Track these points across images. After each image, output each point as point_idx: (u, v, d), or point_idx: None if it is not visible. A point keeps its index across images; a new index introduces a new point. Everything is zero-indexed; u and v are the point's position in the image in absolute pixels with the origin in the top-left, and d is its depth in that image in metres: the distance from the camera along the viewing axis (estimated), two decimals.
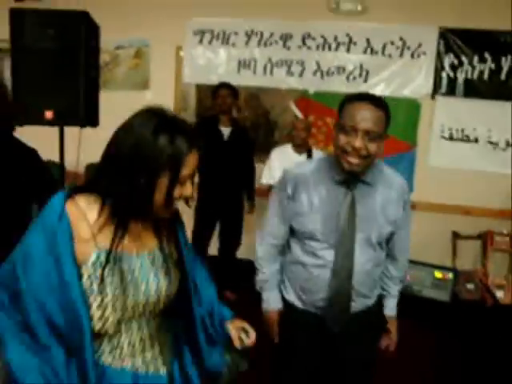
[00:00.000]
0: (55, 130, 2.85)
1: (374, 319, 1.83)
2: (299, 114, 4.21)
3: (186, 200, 1.15)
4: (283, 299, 1.83)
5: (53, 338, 1.04)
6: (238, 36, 4.22)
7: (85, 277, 1.06)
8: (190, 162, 1.08)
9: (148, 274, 1.15)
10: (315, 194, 1.63)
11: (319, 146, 4.12)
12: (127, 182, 1.05)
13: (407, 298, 3.83)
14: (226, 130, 3.66)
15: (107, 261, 1.06)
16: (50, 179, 1.84)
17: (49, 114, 2.57)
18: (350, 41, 4.12)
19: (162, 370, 1.23)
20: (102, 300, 1.07)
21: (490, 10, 3.88)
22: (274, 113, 4.31)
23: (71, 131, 3.04)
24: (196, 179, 1.18)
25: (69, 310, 1.03)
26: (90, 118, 2.77)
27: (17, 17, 2.56)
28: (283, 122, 4.27)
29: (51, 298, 1.03)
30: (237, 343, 1.30)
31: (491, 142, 4.08)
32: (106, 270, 1.06)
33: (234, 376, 1.39)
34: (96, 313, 1.07)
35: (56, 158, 3.55)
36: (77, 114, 2.64)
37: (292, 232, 1.74)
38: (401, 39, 4.06)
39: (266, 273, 1.81)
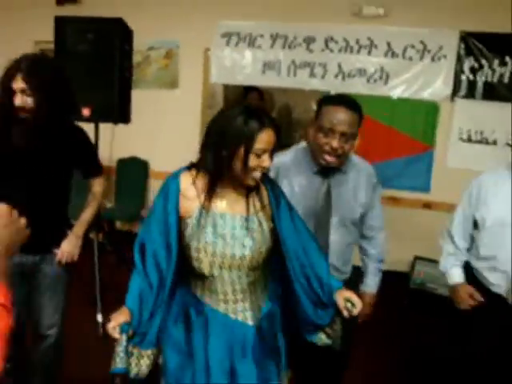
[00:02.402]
0: (89, 126, 3.09)
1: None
2: None
3: (264, 171, 1.42)
4: None
5: (154, 272, 1.42)
6: (263, 38, 4.40)
7: (189, 226, 1.42)
8: (263, 139, 1.36)
9: (236, 233, 1.43)
10: (296, 181, 1.83)
11: None
12: (215, 153, 1.38)
13: (423, 296, 3.98)
14: None
15: (201, 213, 1.41)
16: (92, 152, 2.15)
17: (86, 111, 2.83)
18: (372, 44, 4.24)
19: (251, 322, 1.49)
20: (199, 244, 1.41)
21: (510, 13, 3.94)
22: (296, 113, 4.48)
23: (104, 128, 3.29)
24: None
25: (167, 244, 1.42)
26: (122, 115, 3.03)
27: (60, 24, 2.84)
28: (305, 122, 4.44)
29: (159, 236, 1.43)
30: (344, 313, 1.45)
31: (510, 145, 4.14)
32: (203, 221, 1.41)
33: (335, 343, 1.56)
34: (194, 254, 1.42)
35: None
36: (111, 112, 2.90)
37: None
38: (421, 43, 4.16)
39: None
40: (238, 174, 1.40)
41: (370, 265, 2.04)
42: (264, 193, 1.52)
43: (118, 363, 1.37)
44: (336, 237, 1.85)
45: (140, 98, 3.62)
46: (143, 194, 4.81)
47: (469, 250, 2.09)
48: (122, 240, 4.61)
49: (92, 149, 2.16)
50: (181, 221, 1.44)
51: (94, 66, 2.83)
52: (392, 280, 4.18)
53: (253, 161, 1.37)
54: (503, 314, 1.91)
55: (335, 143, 1.67)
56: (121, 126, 3.22)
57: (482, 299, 1.97)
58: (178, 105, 4.62)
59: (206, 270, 1.43)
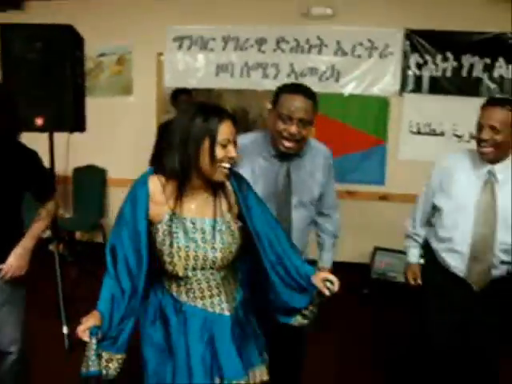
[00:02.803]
0: (43, 136, 3.02)
1: None
2: None
3: (231, 162, 1.47)
4: None
5: (125, 276, 1.44)
6: (215, 41, 4.44)
7: (160, 232, 1.46)
8: (224, 130, 1.43)
9: (206, 236, 1.48)
10: (256, 163, 1.91)
11: None
12: (181, 154, 1.41)
13: (383, 283, 4.12)
14: None
15: (171, 219, 1.45)
16: (43, 175, 2.11)
17: (39, 121, 2.78)
18: (322, 43, 4.36)
19: (227, 312, 1.56)
20: (171, 249, 1.45)
21: (451, 11, 4.15)
22: (252, 114, 4.54)
23: (59, 136, 3.23)
24: None
25: (137, 248, 1.44)
26: (77, 123, 2.98)
27: (6, 31, 2.76)
28: (261, 122, 4.51)
29: (129, 241, 1.45)
30: (325, 292, 1.52)
31: (456, 135, 4.35)
32: (173, 226, 1.45)
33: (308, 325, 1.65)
34: (167, 258, 1.47)
35: (45, 163, 3.73)
36: (65, 120, 2.85)
37: None
38: (369, 41, 4.32)
39: None
40: (206, 171, 1.44)
41: (326, 240, 2.14)
42: (230, 191, 1.57)
43: (91, 366, 1.37)
44: (296, 216, 1.96)
45: (94, 106, 3.57)
46: (102, 202, 4.73)
47: (429, 232, 2.22)
48: (83, 251, 4.54)
49: (44, 172, 2.12)
50: (151, 226, 1.48)
51: (45, 74, 2.77)
52: (354, 271, 4.33)
53: (220, 153, 1.42)
54: (461, 294, 2.02)
55: (293, 129, 1.77)
56: (76, 135, 3.17)
57: (420, 283, 2.17)
58: (133, 111, 4.58)
59: (180, 272, 1.49)
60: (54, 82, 2.79)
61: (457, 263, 2.01)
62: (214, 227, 1.49)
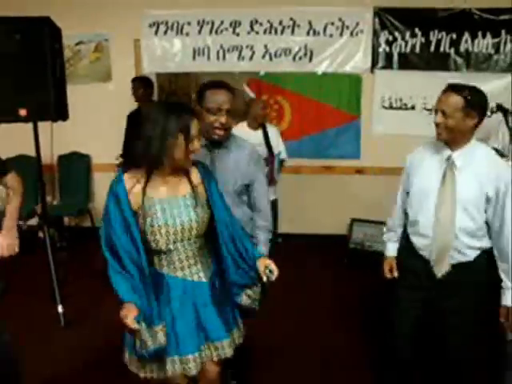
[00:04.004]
0: (26, 126, 3.13)
1: None
2: (252, 95, 4.58)
3: (198, 152, 1.71)
4: None
5: (131, 264, 1.63)
6: (190, 26, 4.53)
7: (141, 217, 1.66)
8: (194, 126, 1.64)
9: (182, 211, 1.70)
10: None
11: (272, 122, 4.51)
12: (156, 146, 1.60)
13: (361, 253, 4.35)
14: None
15: (148, 203, 1.67)
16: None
17: (23, 112, 2.89)
18: (294, 24, 4.48)
19: (205, 279, 1.79)
20: (152, 229, 1.66)
21: None
22: None
23: (42, 125, 3.33)
24: None
25: (132, 237, 1.64)
26: (60, 112, 3.09)
27: None
28: (238, 103, 4.64)
29: (124, 234, 1.64)
30: (264, 278, 1.75)
31: (427, 109, 4.53)
32: (152, 209, 1.66)
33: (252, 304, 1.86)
34: (151, 237, 1.68)
35: (29, 153, 3.82)
36: (48, 110, 2.96)
37: None
38: (340, 20, 4.45)
39: None
40: (180, 161, 1.67)
41: (260, 235, 2.22)
42: (195, 174, 1.79)
43: (150, 345, 1.62)
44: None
45: (74, 93, 3.66)
46: (88, 187, 4.86)
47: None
48: (72, 236, 4.68)
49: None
50: (135, 214, 1.67)
51: (25, 66, 2.86)
52: (332, 242, 4.56)
53: (192, 145, 1.66)
54: (426, 275, 2.11)
55: (223, 119, 2.01)
56: (58, 123, 3.28)
57: (396, 275, 2.25)
58: (113, 97, 4.67)
59: (163, 246, 1.70)
60: (34, 73, 2.89)
61: (422, 246, 2.10)
62: (187, 202, 1.72)
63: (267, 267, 1.76)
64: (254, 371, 2.63)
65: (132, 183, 1.67)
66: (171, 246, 1.71)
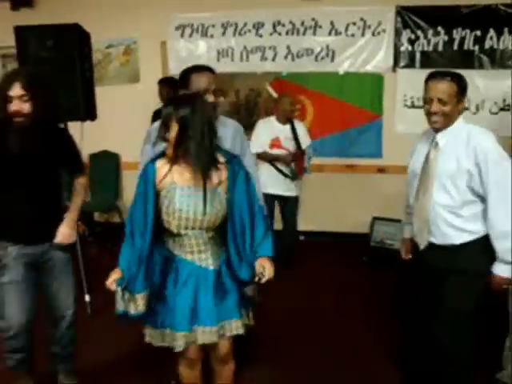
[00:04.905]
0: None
1: None
2: (275, 95, 4.67)
3: None
4: None
5: (137, 235, 1.82)
6: (214, 28, 4.67)
7: (162, 197, 1.81)
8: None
9: (199, 201, 1.80)
10: None
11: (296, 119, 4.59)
12: (198, 143, 1.75)
13: (381, 251, 4.37)
14: None
15: (171, 187, 1.80)
16: (76, 151, 2.39)
17: None
18: (316, 24, 4.56)
19: (212, 267, 1.89)
20: (168, 211, 1.80)
21: None
22: (252, 95, 4.78)
23: (73, 126, 3.51)
24: None
25: (146, 213, 1.81)
26: (88, 113, 3.27)
27: (20, 33, 3.04)
28: (261, 102, 4.76)
29: (140, 208, 1.82)
30: (256, 278, 1.80)
31: None
32: (172, 193, 1.80)
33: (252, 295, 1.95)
34: (165, 217, 1.82)
35: None
36: (77, 111, 3.13)
37: None
38: (361, 19, 4.50)
39: None
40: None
41: None
42: (223, 170, 1.85)
43: (119, 307, 1.80)
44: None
45: (105, 95, 3.85)
46: (117, 185, 5.08)
47: None
48: (101, 230, 4.90)
49: (76, 149, 2.40)
50: (158, 195, 1.82)
51: (57, 70, 3.04)
52: (354, 241, 4.60)
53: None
54: (423, 259, 2.18)
55: (212, 98, 2.15)
56: (89, 123, 3.45)
57: (409, 257, 2.32)
58: (141, 97, 4.85)
59: (174, 230, 1.83)
60: (65, 76, 3.06)
61: (415, 228, 2.17)
62: (204, 195, 1.80)
63: (260, 269, 1.80)
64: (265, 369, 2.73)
65: (162, 166, 1.83)
66: (182, 231, 1.83)
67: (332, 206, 4.88)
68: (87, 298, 3.25)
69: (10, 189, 2.06)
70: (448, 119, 2.01)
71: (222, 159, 1.85)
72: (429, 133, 2.17)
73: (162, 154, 1.86)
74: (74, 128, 3.61)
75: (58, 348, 2.39)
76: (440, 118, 2.00)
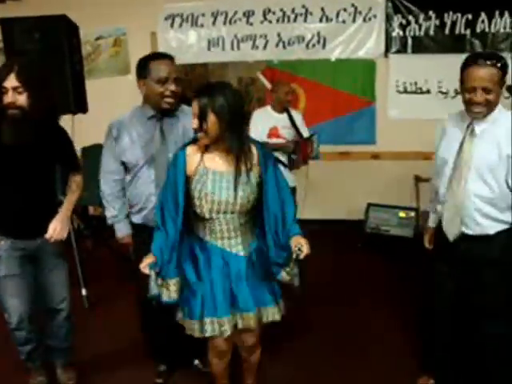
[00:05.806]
0: None
1: None
2: (267, 83, 4.65)
3: None
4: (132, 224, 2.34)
5: (170, 221, 1.86)
6: (205, 17, 4.63)
7: (194, 181, 1.84)
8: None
9: (230, 186, 1.83)
10: (134, 131, 2.20)
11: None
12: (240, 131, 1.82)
13: (376, 237, 4.39)
14: None
15: (202, 172, 1.83)
16: (72, 150, 2.37)
17: None
18: (307, 11, 4.52)
19: (243, 253, 1.91)
20: (200, 195, 1.83)
21: None
22: (244, 84, 4.76)
23: (64, 119, 3.48)
24: None
25: (176, 199, 1.84)
26: (79, 105, 3.24)
27: (6, 25, 3.00)
28: (253, 91, 4.74)
29: (171, 194, 1.85)
30: (294, 255, 1.80)
31: (442, 92, 4.52)
32: (204, 177, 1.83)
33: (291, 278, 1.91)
34: (196, 201, 1.85)
35: None
36: (68, 104, 3.10)
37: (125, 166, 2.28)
38: (352, 6, 4.47)
39: (115, 207, 2.34)
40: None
41: None
42: (255, 155, 1.89)
43: (152, 290, 1.82)
44: None
45: (95, 87, 3.81)
46: None
47: None
48: (97, 224, 4.88)
49: (73, 147, 2.37)
50: (188, 180, 1.85)
51: (45, 62, 3.00)
52: (349, 227, 4.61)
53: None
54: (451, 249, 2.09)
55: (173, 87, 2.09)
56: (80, 116, 3.42)
57: (431, 247, 2.28)
58: (132, 89, 4.79)
59: (206, 214, 1.86)
60: (53, 69, 3.01)
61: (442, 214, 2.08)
62: (237, 179, 1.83)
63: (297, 246, 1.81)
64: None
65: (193, 152, 1.86)
66: (214, 215, 1.85)
67: (326, 193, 4.87)
68: (84, 291, 3.24)
69: (1, 180, 2.03)
70: (491, 107, 1.88)
71: (252, 145, 1.89)
72: (461, 117, 2.02)
73: (192, 141, 1.89)
74: (66, 121, 3.61)
75: (56, 341, 2.39)
76: (484, 109, 1.86)
